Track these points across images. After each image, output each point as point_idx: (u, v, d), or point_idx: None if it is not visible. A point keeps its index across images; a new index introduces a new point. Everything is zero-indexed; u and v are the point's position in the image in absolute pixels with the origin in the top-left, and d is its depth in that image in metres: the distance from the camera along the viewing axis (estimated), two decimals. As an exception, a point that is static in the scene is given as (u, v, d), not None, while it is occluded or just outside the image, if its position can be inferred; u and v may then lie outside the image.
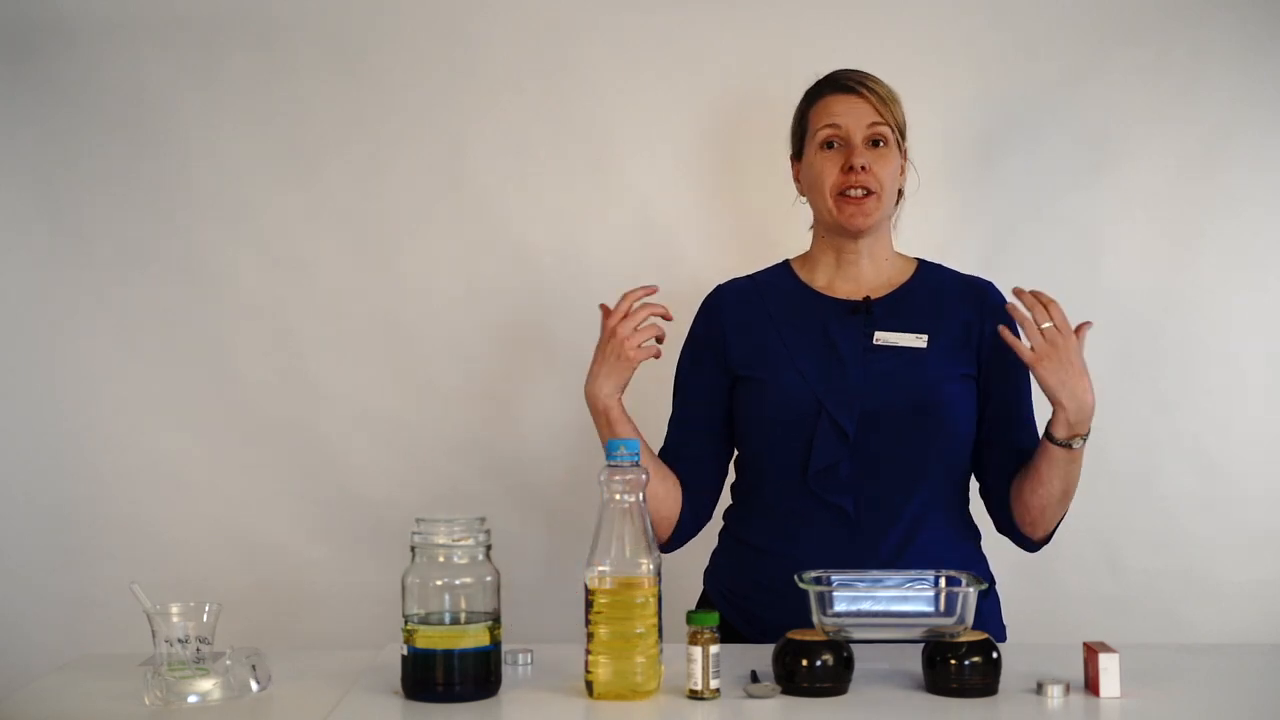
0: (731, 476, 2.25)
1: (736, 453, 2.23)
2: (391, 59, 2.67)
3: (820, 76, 2.21)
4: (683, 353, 2.25)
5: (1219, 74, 2.65)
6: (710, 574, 2.25)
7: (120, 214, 2.67)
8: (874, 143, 2.14)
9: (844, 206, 2.14)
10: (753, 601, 2.13)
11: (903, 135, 2.18)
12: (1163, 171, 2.66)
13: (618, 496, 1.68)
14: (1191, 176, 2.66)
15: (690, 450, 2.18)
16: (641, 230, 2.68)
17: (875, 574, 1.83)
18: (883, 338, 2.13)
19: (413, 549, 1.70)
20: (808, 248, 2.27)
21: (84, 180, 2.66)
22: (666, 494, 2.15)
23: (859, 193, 2.12)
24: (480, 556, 1.70)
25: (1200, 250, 2.67)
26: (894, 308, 2.15)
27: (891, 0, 2.66)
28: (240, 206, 2.67)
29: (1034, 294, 2.00)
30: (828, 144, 2.15)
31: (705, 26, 2.66)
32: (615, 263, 2.68)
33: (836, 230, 2.17)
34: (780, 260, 2.28)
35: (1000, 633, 2.16)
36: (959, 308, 2.16)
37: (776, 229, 2.64)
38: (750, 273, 2.28)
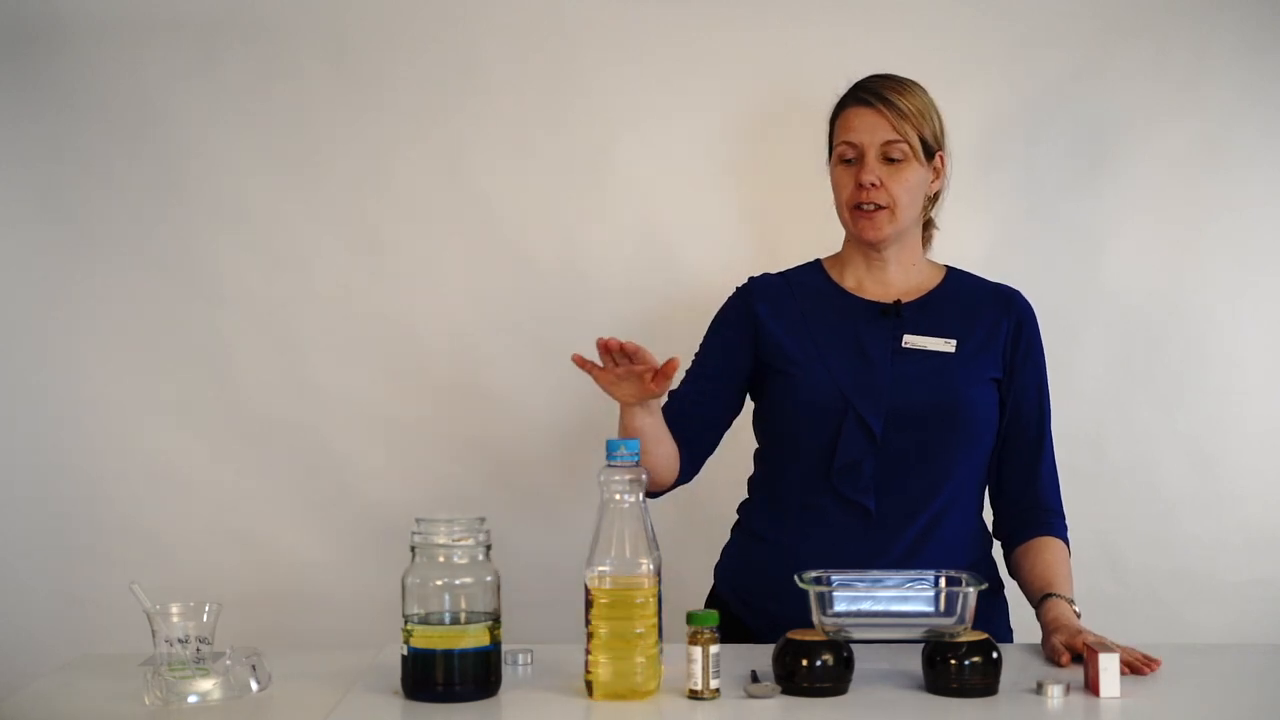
0: (749, 470, 2.25)
1: (757, 446, 2.24)
2: (392, 59, 2.67)
3: (853, 82, 2.20)
4: (709, 330, 2.25)
5: (1220, 72, 2.65)
6: (722, 568, 2.25)
7: (119, 214, 2.67)
8: (889, 158, 2.14)
9: (858, 219, 2.16)
10: (766, 596, 2.12)
11: (930, 145, 2.16)
12: (1163, 170, 2.66)
13: (618, 496, 1.68)
14: (1192, 175, 2.66)
15: (699, 408, 2.18)
16: (641, 231, 2.68)
17: (875, 574, 1.83)
18: (911, 341, 2.14)
19: (413, 549, 1.70)
20: (811, 251, 2.29)
21: (82, 180, 2.66)
22: (668, 465, 2.13)
23: (870, 207, 2.14)
24: (480, 556, 1.70)
25: (1200, 249, 2.67)
26: (923, 312, 2.17)
27: (891, 2, 2.66)
28: (240, 206, 2.67)
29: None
30: (846, 157, 2.16)
31: (707, 27, 2.66)
32: (615, 263, 2.68)
33: (856, 240, 2.19)
34: (803, 260, 2.28)
35: (1007, 637, 2.16)
36: (987, 314, 2.18)
37: (777, 231, 2.66)
38: (780, 270, 2.28)
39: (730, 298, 2.26)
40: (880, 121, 2.13)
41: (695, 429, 2.17)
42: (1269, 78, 2.66)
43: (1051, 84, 2.67)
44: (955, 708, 1.67)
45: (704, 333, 2.26)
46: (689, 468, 2.18)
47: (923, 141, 2.15)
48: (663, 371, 1.94)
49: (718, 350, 2.22)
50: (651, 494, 2.11)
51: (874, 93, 2.15)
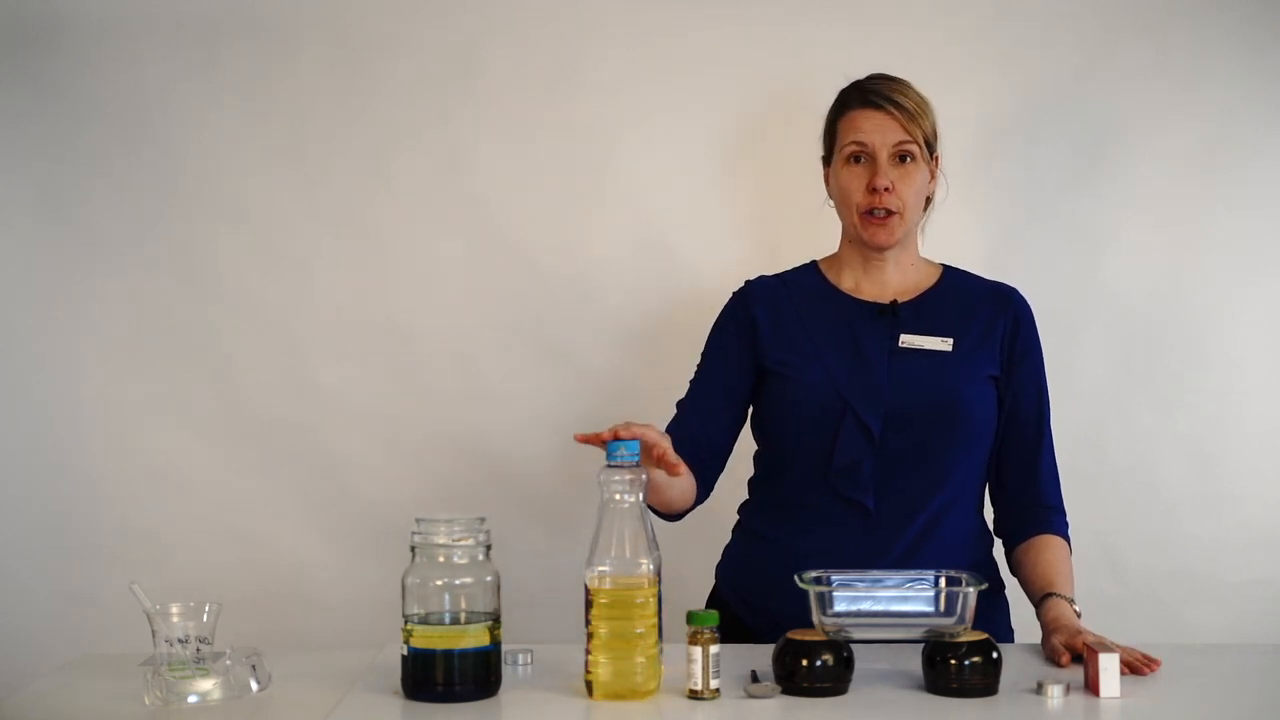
0: (750, 472, 2.26)
1: (757, 448, 2.24)
2: (392, 58, 2.67)
3: (851, 81, 2.20)
4: (709, 336, 2.25)
5: (1220, 72, 2.65)
6: (723, 568, 2.25)
7: (119, 213, 2.66)
8: (900, 158, 2.14)
9: (867, 225, 2.15)
10: (766, 596, 2.12)
11: (932, 144, 2.17)
12: (1163, 170, 2.66)
13: (618, 496, 1.68)
14: (1192, 175, 2.66)
15: (706, 430, 2.17)
16: (641, 231, 2.68)
17: (875, 574, 1.83)
18: (908, 340, 2.14)
19: (413, 549, 1.70)
20: (810, 251, 2.29)
21: (82, 180, 2.66)
22: (684, 498, 2.13)
23: (882, 213, 2.13)
24: (480, 556, 1.70)
25: (1200, 249, 2.68)
26: (919, 311, 2.17)
27: (890, 1, 2.66)
28: (240, 206, 2.67)
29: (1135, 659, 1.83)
30: (854, 158, 2.15)
31: (708, 28, 2.66)
32: (615, 263, 2.68)
33: (861, 243, 2.18)
34: (806, 261, 2.28)
35: (1009, 637, 2.17)
36: (983, 312, 2.18)
37: (777, 231, 2.65)
38: (777, 272, 2.28)
39: (727, 304, 2.26)
40: (891, 123, 2.13)
41: (705, 454, 2.16)
42: (1269, 77, 2.66)
43: (1051, 84, 2.67)
44: (955, 708, 1.67)
45: (703, 332, 2.26)
46: (703, 491, 2.18)
47: (926, 141, 2.15)
48: (670, 464, 1.89)
49: (718, 362, 2.22)
50: (669, 517, 2.11)
51: (882, 94, 2.14)
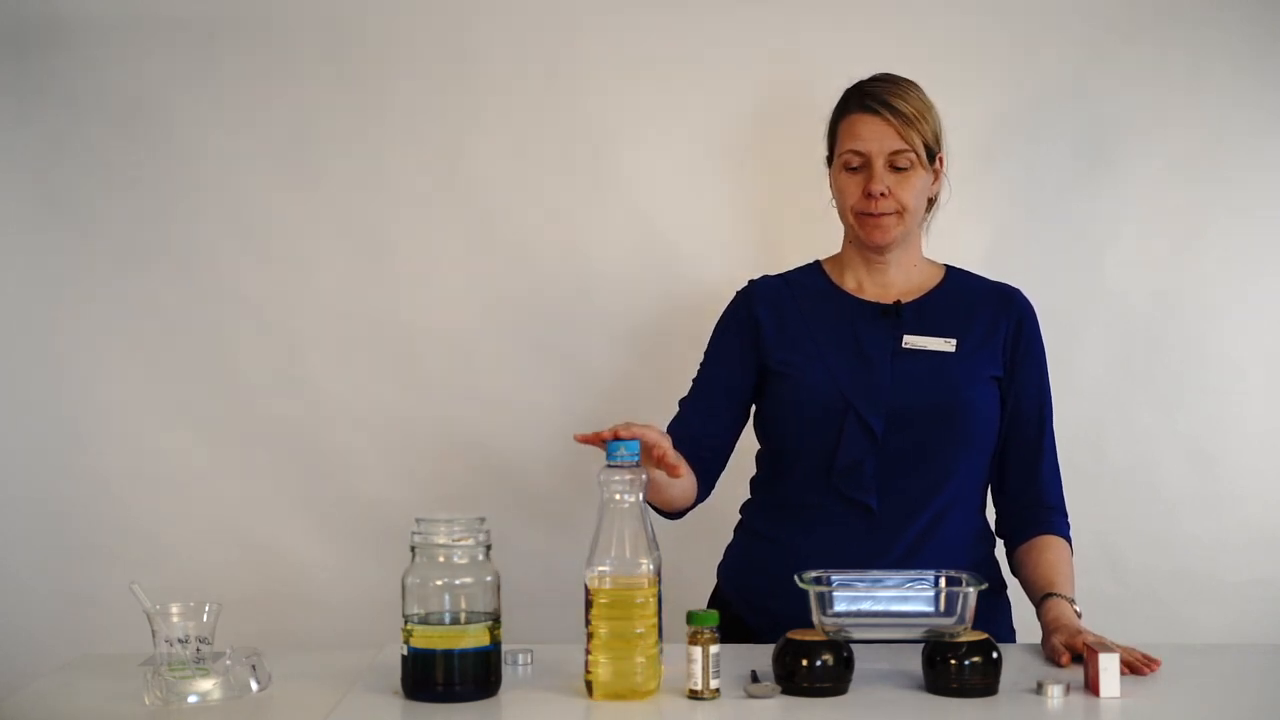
0: (751, 471, 2.26)
1: (759, 447, 2.24)
2: (391, 59, 2.66)
3: (855, 81, 2.19)
4: (713, 335, 2.25)
5: (1220, 73, 2.65)
6: (725, 568, 2.25)
7: (120, 214, 2.66)
8: (896, 166, 2.14)
9: (864, 224, 2.15)
10: (768, 595, 2.12)
11: (933, 148, 2.16)
12: (1163, 171, 2.66)
13: (618, 496, 1.68)
14: (1192, 176, 2.66)
15: (708, 430, 2.18)
16: (641, 231, 2.68)
17: (875, 574, 1.83)
18: (911, 341, 2.14)
19: (413, 549, 1.70)
20: (812, 251, 2.29)
21: (83, 180, 2.66)
22: (685, 496, 2.13)
23: (878, 213, 2.13)
24: (480, 556, 1.70)
25: (1200, 250, 2.67)
26: (922, 312, 2.17)
27: (890, 1, 2.66)
28: (240, 206, 2.67)
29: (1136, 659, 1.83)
30: (852, 164, 2.15)
31: (708, 26, 2.66)
32: (615, 263, 2.68)
33: (860, 244, 2.18)
34: (807, 261, 2.28)
35: (1010, 637, 2.17)
36: (986, 312, 2.18)
37: (778, 231, 2.65)
38: (780, 272, 2.28)
39: (731, 302, 2.26)
40: (888, 130, 2.13)
41: (706, 453, 2.16)
42: (1269, 78, 2.65)
43: (1051, 84, 2.67)
44: (955, 708, 1.67)
45: (703, 332, 2.26)
46: (704, 489, 2.18)
47: (925, 146, 2.15)
48: (670, 465, 1.90)
49: (721, 361, 2.22)
50: (670, 515, 2.11)
51: (880, 100, 2.14)
